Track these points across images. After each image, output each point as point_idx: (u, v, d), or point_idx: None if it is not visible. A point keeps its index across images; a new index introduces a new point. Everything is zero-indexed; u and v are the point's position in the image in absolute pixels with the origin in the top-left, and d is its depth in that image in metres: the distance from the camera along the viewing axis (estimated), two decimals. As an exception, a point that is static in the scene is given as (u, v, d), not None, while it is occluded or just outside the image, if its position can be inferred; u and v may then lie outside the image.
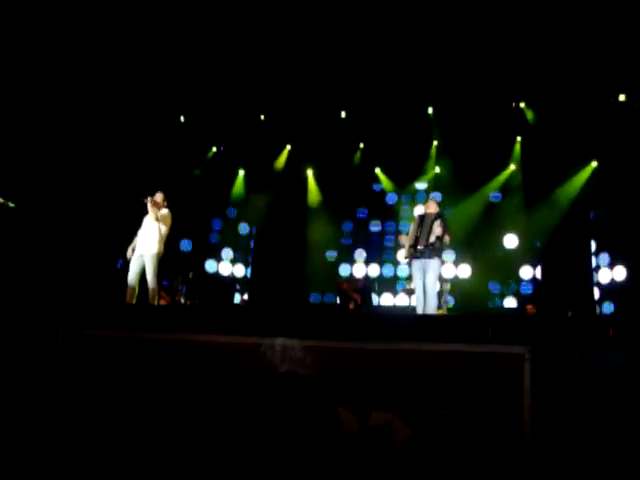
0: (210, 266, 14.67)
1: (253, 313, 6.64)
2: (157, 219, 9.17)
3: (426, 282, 8.99)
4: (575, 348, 5.21)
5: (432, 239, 8.97)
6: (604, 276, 13.00)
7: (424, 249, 9.01)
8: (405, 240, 9.41)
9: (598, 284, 13.08)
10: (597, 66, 11.74)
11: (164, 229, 9.30)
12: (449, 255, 13.92)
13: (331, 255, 15.11)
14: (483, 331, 5.42)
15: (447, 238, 9.12)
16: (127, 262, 9.30)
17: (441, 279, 10.48)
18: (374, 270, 14.92)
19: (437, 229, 8.94)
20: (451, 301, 13.12)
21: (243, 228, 15.42)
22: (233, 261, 15.09)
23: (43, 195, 11.24)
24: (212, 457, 5.26)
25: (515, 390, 5.07)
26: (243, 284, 15.00)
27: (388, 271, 14.82)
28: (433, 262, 9.00)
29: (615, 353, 5.14)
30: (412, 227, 9.45)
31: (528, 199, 14.12)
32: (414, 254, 9.14)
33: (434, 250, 9.02)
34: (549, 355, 5.17)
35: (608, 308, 12.72)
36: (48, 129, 11.53)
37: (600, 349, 5.19)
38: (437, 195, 14.38)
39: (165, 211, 9.42)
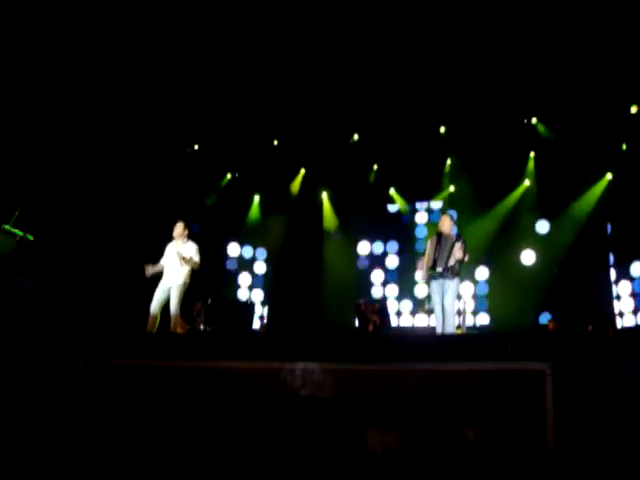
0: (228, 292, 14.71)
1: (272, 338, 6.65)
2: (190, 263, 9.32)
3: (445, 302, 8.96)
4: (597, 362, 5.17)
5: (452, 262, 8.96)
6: (624, 289, 12.90)
7: (443, 271, 9.01)
8: (421, 266, 9.37)
9: (618, 297, 12.98)
10: (607, 79, 11.74)
11: (194, 263, 9.43)
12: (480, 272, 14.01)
13: (348, 277, 15.11)
14: (503, 348, 5.40)
15: (467, 257, 9.12)
16: (146, 278, 9.44)
17: (460, 298, 10.45)
18: (392, 291, 14.90)
19: (458, 252, 8.93)
20: (470, 320, 13.09)
21: (260, 253, 15.47)
22: (250, 287, 15.13)
23: (61, 227, 11.34)
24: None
25: (537, 407, 5.04)
26: (261, 309, 15.02)
27: (406, 292, 14.79)
28: (452, 282, 8.99)
29: (637, 366, 5.10)
30: (429, 247, 9.38)
31: (544, 214, 14.09)
32: (433, 275, 9.14)
33: (453, 272, 9.01)
34: (571, 370, 5.14)
35: (629, 321, 12.63)
36: (63, 161, 11.66)
37: (623, 363, 5.15)
38: (453, 213, 14.44)
39: (192, 247, 9.52)
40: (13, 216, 8.74)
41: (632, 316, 12.61)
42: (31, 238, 8.95)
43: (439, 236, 9.32)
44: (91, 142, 12.05)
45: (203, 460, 5.50)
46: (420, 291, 14.35)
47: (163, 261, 9.50)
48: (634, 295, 12.69)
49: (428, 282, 9.38)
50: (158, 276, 9.48)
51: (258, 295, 15.18)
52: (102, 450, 5.87)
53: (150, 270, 9.37)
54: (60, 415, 6.19)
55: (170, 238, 9.66)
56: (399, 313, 14.61)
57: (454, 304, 9.12)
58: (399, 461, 5.03)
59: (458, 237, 9.23)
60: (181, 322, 9.69)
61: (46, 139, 11.36)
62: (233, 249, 15.19)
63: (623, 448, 4.85)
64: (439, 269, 9.00)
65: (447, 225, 9.40)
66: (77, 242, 11.60)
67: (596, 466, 4.83)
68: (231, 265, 15.13)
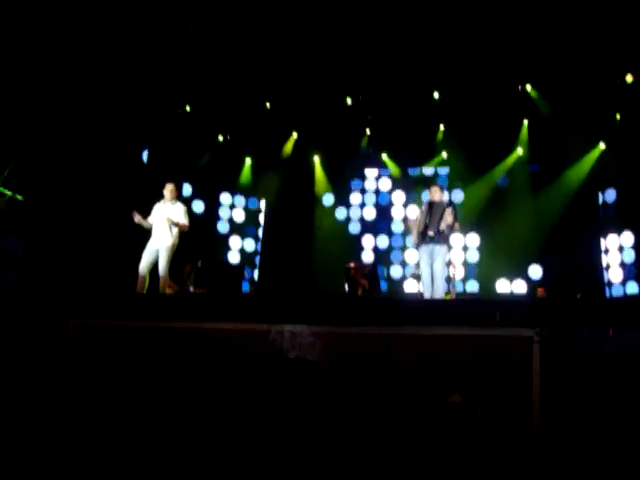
0: (219, 254, 14.69)
1: (261, 300, 6.66)
2: (179, 226, 9.30)
3: (434, 268, 9.13)
4: (584, 330, 5.21)
5: (442, 227, 9.14)
6: (613, 258, 12.94)
7: (434, 236, 9.14)
8: (413, 225, 9.60)
9: (607, 266, 13.03)
10: (603, 47, 11.65)
11: (183, 225, 9.42)
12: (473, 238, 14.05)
13: (339, 241, 15.11)
14: (492, 314, 5.42)
15: (457, 225, 9.34)
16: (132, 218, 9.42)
17: (449, 265, 10.54)
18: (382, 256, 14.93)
19: (449, 217, 9.12)
20: (460, 287, 13.15)
21: (251, 216, 15.44)
22: (241, 249, 15.12)
23: (50, 187, 11.26)
24: (223, 445, 5.29)
25: (524, 372, 5.09)
26: (252, 271, 15.04)
27: (396, 256, 14.81)
28: (441, 248, 9.17)
29: (624, 335, 5.13)
30: (420, 214, 9.57)
31: (536, 182, 14.08)
32: (424, 241, 9.25)
33: (443, 237, 9.18)
34: (558, 337, 5.17)
35: (618, 290, 12.69)
36: (53, 121, 11.54)
37: (609, 331, 5.18)
38: (444, 177, 14.54)
39: (180, 209, 9.50)
40: (2, 176, 8.66)
41: (620, 286, 12.67)
42: (20, 198, 8.89)
43: (430, 204, 9.51)
44: (81, 102, 11.91)
45: (191, 422, 5.53)
46: (410, 257, 14.40)
47: (151, 220, 9.45)
48: (623, 265, 12.74)
49: (418, 247, 9.47)
50: (147, 237, 9.44)
51: (248, 258, 15.17)
52: (90, 411, 5.89)
53: (137, 218, 9.32)
54: (50, 374, 6.19)
55: (159, 198, 9.61)
56: (389, 277, 14.64)
57: (443, 270, 9.27)
58: (388, 423, 5.07)
59: (449, 204, 9.45)
60: (170, 283, 9.69)
61: (35, 99, 11.22)
62: (224, 211, 15.14)
63: (607, 413, 4.90)
64: (430, 233, 9.16)
65: (438, 195, 9.61)
66: (66, 202, 11.52)
67: (581, 430, 4.88)
68: (222, 228, 15.07)
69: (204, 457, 5.33)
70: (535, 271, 13.53)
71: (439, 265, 9.11)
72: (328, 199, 15.38)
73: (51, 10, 10.73)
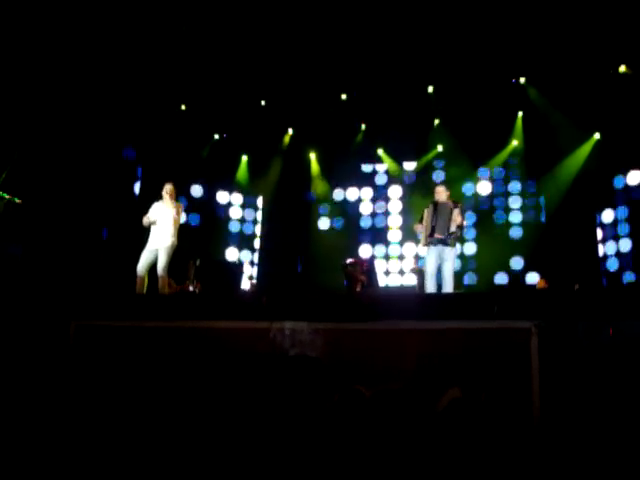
0: (216, 253, 14.72)
1: (261, 298, 6.69)
2: (177, 213, 9.31)
3: (444, 269, 9.20)
4: (582, 321, 5.24)
5: (453, 228, 9.21)
6: (610, 249, 13.00)
7: (444, 238, 9.20)
8: (421, 229, 9.58)
9: (604, 256, 13.08)
10: (596, 38, 11.69)
11: (179, 220, 9.45)
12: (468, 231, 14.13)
13: (336, 238, 15.16)
14: (490, 307, 5.45)
15: (465, 223, 9.59)
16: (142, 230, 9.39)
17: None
18: (380, 250, 15.00)
19: (458, 218, 9.23)
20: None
21: (248, 213, 15.48)
22: (240, 247, 15.16)
23: (49, 190, 11.28)
24: (225, 444, 5.33)
25: (523, 365, 5.11)
26: (250, 269, 15.08)
27: (394, 251, 14.90)
28: (450, 250, 9.26)
29: (624, 325, 5.17)
30: (426, 215, 9.54)
31: (531, 174, 14.15)
32: (431, 242, 9.31)
33: (453, 238, 9.28)
34: (556, 329, 5.20)
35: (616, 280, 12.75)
36: (49, 123, 11.55)
37: (608, 321, 5.22)
38: (441, 174, 14.60)
39: (180, 207, 9.52)
40: (0, 179, 8.68)
41: (618, 275, 12.73)
42: (19, 201, 8.90)
43: (435, 205, 9.51)
44: (77, 104, 11.92)
45: (192, 420, 5.57)
46: (406, 251, 14.51)
47: (152, 217, 9.41)
48: (619, 255, 12.81)
49: (427, 247, 9.50)
50: (144, 237, 9.44)
51: (246, 255, 15.22)
52: (92, 409, 5.93)
53: (146, 220, 9.30)
54: (51, 376, 6.23)
55: (156, 198, 9.60)
56: (387, 273, 14.71)
57: (453, 271, 9.31)
58: (384, 416, 5.10)
59: (455, 204, 9.46)
60: (169, 282, 9.71)
61: (33, 101, 11.22)
62: (221, 210, 15.19)
63: (606, 405, 4.94)
64: (439, 236, 9.20)
65: (444, 195, 9.60)
66: (65, 204, 11.54)
67: (579, 422, 4.92)
68: (219, 225, 15.11)
69: (206, 454, 5.37)
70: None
71: (449, 266, 9.20)
72: (325, 195, 15.47)
73: (45, 14, 10.72)
